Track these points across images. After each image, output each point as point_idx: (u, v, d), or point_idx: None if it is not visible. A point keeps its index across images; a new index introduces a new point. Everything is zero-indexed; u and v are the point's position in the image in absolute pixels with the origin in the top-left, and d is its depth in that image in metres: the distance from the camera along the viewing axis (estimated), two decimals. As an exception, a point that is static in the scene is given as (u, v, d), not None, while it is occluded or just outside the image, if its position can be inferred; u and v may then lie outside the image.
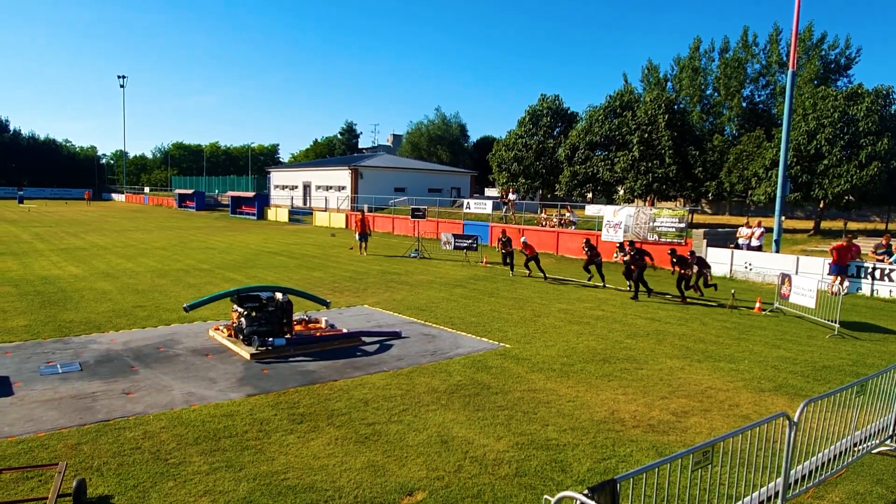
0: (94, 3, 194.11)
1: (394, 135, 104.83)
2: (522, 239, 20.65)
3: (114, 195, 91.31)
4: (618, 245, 18.78)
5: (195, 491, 5.33)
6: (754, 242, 21.85)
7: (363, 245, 25.06)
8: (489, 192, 69.19)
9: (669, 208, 27.76)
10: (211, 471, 5.72)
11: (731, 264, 21.46)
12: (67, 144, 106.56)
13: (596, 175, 41.40)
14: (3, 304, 13.01)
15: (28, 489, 5.29)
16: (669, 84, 57.50)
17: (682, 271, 16.26)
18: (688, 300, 16.03)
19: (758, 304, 15.08)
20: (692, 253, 17.29)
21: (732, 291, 15.55)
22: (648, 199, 39.51)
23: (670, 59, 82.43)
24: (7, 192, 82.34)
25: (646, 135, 38.16)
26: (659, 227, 23.97)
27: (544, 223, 31.84)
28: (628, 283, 17.22)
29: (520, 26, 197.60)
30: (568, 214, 30.49)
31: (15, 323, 11.33)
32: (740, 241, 22.26)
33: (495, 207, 36.92)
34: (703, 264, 16.85)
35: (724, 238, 23.43)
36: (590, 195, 44.60)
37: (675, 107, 40.41)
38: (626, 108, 41.20)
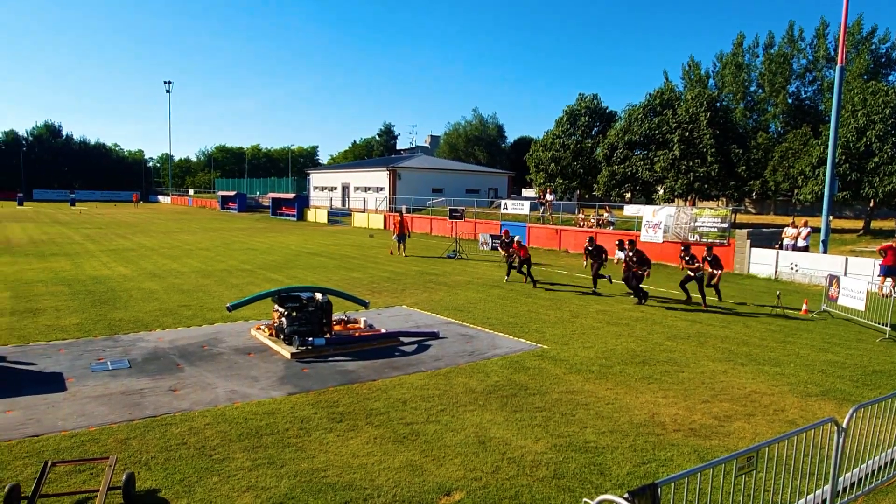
0: (142, 11, 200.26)
1: (431, 136, 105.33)
2: (516, 237, 19.03)
3: (160, 197, 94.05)
4: (617, 242, 17.36)
5: (238, 486, 5.46)
6: (801, 243, 21.26)
7: (401, 246, 25.20)
8: (526, 192, 68.85)
9: (711, 208, 27.18)
10: (253, 467, 5.85)
11: (777, 265, 20.91)
12: (116, 148, 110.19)
13: (635, 175, 40.81)
14: (56, 302, 13.53)
15: (80, 482, 5.49)
16: (711, 81, 56.37)
17: (691, 272, 15.03)
18: (692, 301, 15.14)
19: (804, 307, 14.67)
20: (709, 249, 15.76)
21: (778, 293, 15.15)
22: (689, 198, 38.79)
23: (712, 56, 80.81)
24: (59, 195, 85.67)
25: (687, 133, 37.45)
26: (700, 227, 23.51)
27: (582, 224, 31.55)
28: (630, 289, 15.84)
29: (557, 26, 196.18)
30: (606, 215, 30.18)
31: (68, 321, 11.77)
32: (786, 241, 21.68)
33: (533, 208, 36.77)
34: (717, 264, 15.34)
35: (768, 238, 22.85)
36: (628, 195, 44.00)
37: (718, 104, 39.57)
38: (667, 107, 40.52)
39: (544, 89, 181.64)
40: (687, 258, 15.21)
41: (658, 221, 24.77)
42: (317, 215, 50.44)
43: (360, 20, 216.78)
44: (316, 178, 71.71)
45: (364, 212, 49.29)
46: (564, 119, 47.51)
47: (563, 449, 6.41)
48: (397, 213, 29.27)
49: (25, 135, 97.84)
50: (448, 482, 5.62)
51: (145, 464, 5.85)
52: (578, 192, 47.18)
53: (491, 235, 26.22)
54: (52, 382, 8.13)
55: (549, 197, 36.56)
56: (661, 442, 6.66)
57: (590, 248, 17.43)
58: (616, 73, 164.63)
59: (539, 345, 10.83)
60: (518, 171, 70.52)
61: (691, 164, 37.26)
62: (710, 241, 21.67)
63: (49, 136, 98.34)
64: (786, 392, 8.51)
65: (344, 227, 44.26)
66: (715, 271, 15.28)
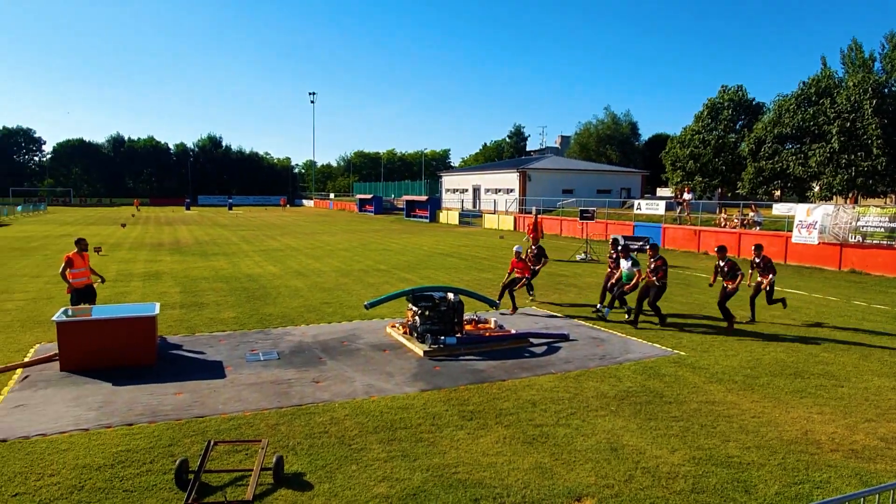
0: (288, 29, 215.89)
1: (562, 136, 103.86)
2: (515, 248, 14.03)
3: (304, 201, 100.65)
4: (623, 246, 13.10)
5: (375, 476, 5.73)
6: None
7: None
8: (661, 191, 65.86)
9: (878, 206, 24.41)
10: (388, 458, 6.11)
11: (960, 270, 18.37)
12: (267, 156, 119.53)
13: (786, 170, 37.65)
14: (217, 298, 14.94)
15: (237, 461, 6.04)
16: (878, 65, 50.53)
17: (726, 283, 11.97)
18: (734, 323, 12.08)
19: None
20: (758, 248, 12.84)
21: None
22: (850, 195, 35.11)
23: (879, 38, 72.61)
24: (219, 200, 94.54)
25: (848, 123, 33.94)
26: (864, 227, 21.20)
27: (724, 224, 29.62)
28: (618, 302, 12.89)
29: (697, 14, 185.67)
30: (752, 214, 28.07)
31: (226, 315, 12.95)
32: (972, 243, 18.99)
33: (668, 208, 35.08)
34: (768, 269, 12.58)
35: (950, 240, 20.12)
36: (777, 193, 40.69)
37: (886, 90, 35.46)
38: (824, 95, 36.97)
39: (682, 83, 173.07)
40: (725, 268, 12.07)
41: (813, 221, 22.66)
42: (448, 217, 51.49)
43: (490, 24, 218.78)
44: (448, 181, 73.25)
45: (494, 213, 49.60)
46: (705, 113, 44.90)
47: (703, 462, 6.07)
48: (531, 215, 29.07)
49: (192, 146, 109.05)
50: (578, 487, 5.54)
51: (292, 448, 6.31)
52: (720, 190, 44.36)
53: (623, 237, 25.36)
54: (214, 370, 8.99)
55: (686, 196, 34.67)
56: (815, 462, 6.12)
57: (613, 253, 13.60)
58: (764, 62, 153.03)
59: (675, 351, 10.33)
60: (652, 170, 67.73)
61: (853, 157, 33.71)
62: (875, 242, 19.50)
63: (212, 147, 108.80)
64: (971, 415, 7.47)
65: (475, 228, 44.82)
66: (763, 279, 12.58)
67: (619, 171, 63.70)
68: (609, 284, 13.21)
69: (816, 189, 38.54)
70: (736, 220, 29.12)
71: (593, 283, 18.00)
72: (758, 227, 26.96)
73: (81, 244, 11.10)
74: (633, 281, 12.36)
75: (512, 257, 13.99)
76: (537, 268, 14.86)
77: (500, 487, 5.52)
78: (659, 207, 35.41)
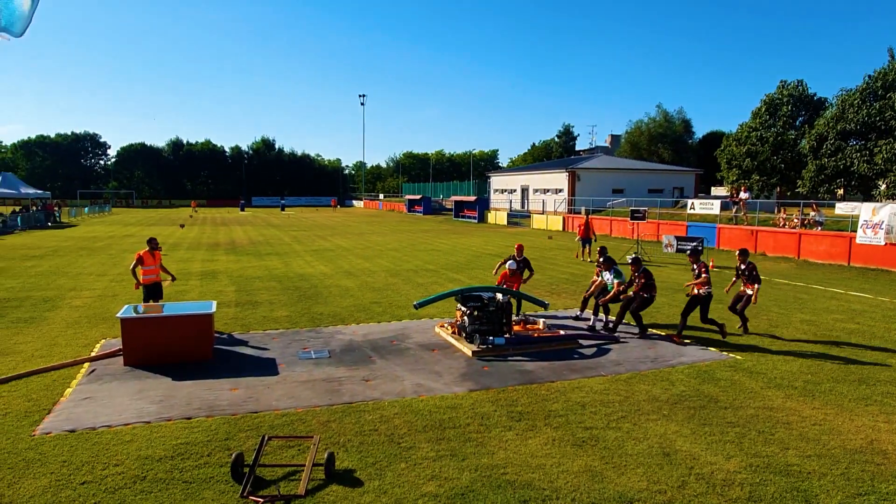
0: (338, 33, 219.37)
1: (612, 135, 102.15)
2: (509, 263, 12.89)
3: (354, 202, 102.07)
4: (602, 258, 12.17)
5: (423, 475, 5.78)
6: None
7: (586, 250, 24.56)
8: (716, 190, 64.04)
9: (951, 205, 23.09)
10: (437, 458, 6.15)
11: None
12: (318, 158, 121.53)
13: (849, 168, 36.06)
14: (271, 296, 15.31)
15: (289, 456, 6.19)
16: (952, 55, 47.93)
17: (697, 287, 10.95)
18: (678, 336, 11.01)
19: None
20: (743, 253, 11.69)
21: None
22: (922, 194, 33.36)
23: (954, 26, 68.76)
24: (272, 201, 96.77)
25: (918, 118, 32.26)
26: (936, 227, 20.11)
27: (783, 224, 28.59)
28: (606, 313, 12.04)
29: (753, 6, 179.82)
30: (813, 214, 27.00)
31: (279, 313, 13.26)
32: None
33: (724, 207, 34.07)
34: (754, 278, 11.34)
35: None
36: (840, 191, 39.01)
37: (961, 82, 33.57)
38: (891, 89, 35.24)
39: (738, 79, 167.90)
40: (695, 270, 11.11)
41: (879, 221, 21.63)
42: (497, 217, 51.31)
43: (539, 23, 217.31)
44: (496, 181, 73.06)
45: (543, 213, 49.21)
46: (763, 109, 43.45)
47: (760, 470, 5.89)
48: (582, 216, 28.74)
49: (247, 149, 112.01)
50: (629, 492, 5.45)
51: (342, 445, 6.42)
52: (778, 189, 42.87)
53: (676, 237, 24.80)
54: (268, 367, 9.23)
55: (742, 195, 33.60)
56: (881, 472, 5.85)
57: (599, 261, 12.35)
58: (825, 56, 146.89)
59: (731, 355, 10.04)
60: (707, 169, 65.96)
61: (924, 154, 32.04)
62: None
63: (265, 149, 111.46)
64: None
65: (523, 228, 44.55)
66: (747, 287, 11.45)
67: (671, 171, 62.25)
68: (591, 291, 12.51)
69: (883, 187, 36.78)
70: (796, 220, 28.08)
71: (645, 284, 17.62)
72: (819, 228, 25.93)
73: (153, 243, 11.67)
74: (612, 293, 11.62)
75: (504, 270, 13.02)
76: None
77: (549, 490, 5.48)
78: (714, 207, 34.46)
